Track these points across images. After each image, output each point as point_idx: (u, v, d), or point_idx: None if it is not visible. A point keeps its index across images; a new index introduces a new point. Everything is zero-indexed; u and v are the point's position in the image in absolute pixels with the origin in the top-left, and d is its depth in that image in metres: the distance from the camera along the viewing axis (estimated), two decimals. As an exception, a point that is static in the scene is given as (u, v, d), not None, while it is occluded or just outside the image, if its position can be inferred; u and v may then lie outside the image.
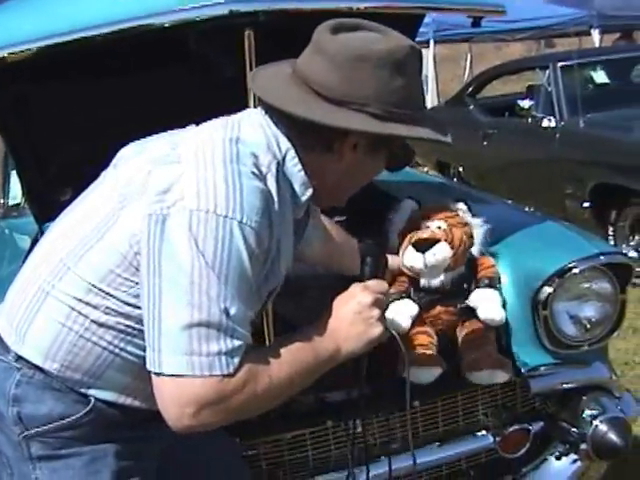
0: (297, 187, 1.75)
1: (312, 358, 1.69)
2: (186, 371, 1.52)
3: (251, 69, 2.22)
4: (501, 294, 2.53)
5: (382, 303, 1.79)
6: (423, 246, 2.39)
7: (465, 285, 2.51)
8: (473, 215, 2.52)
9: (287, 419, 2.41)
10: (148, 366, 1.57)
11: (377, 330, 1.75)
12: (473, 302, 2.49)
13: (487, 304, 2.48)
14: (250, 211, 1.56)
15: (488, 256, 2.58)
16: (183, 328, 1.51)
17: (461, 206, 2.52)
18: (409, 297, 2.46)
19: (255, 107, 2.26)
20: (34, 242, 3.11)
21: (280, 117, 1.71)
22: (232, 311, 1.54)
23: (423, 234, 2.43)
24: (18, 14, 2.54)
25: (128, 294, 1.64)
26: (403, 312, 2.40)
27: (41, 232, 3.11)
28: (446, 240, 2.39)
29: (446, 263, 2.40)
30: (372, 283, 1.82)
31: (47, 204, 3.04)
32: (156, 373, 1.55)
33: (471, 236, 2.48)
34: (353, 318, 1.74)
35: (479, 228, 2.51)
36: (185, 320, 1.51)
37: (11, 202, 4.13)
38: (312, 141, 1.72)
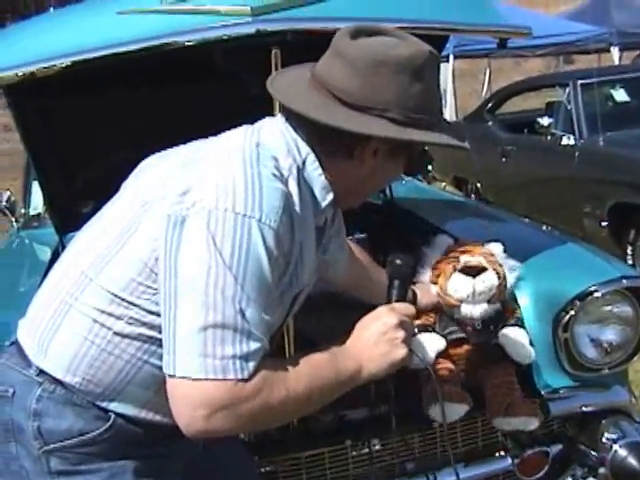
0: (317, 192, 1.74)
1: (333, 375, 1.67)
2: (199, 374, 1.50)
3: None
4: (528, 333, 2.50)
5: (408, 326, 1.78)
6: (473, 271, 2.35)
7: (492, 326, 2.46)
8: (507, 257, 2.49)
9: (306, 437, 2.41)
10: (164, 369, 1.56)
11: (401, 352, 1.73)
12: (503, 339, 2.45)
13: (518, 342, 2.45)
14: (270, 211, 1.56)
15: (514, 302, 2.56)
16: (197, 330, 1.50)
17: (498, 246, 2.49)
18: (435, 331, 2.42)
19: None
20: (54, 253, 3.15)
21: (300, 122, 1.71)
22: (248, 313, 1.52)
23: (470, 262, 2.38)
24: (50, 29, 2.56)
25: (151, 302, 1.63)
26: (429, 345, 2.35)
27: (62, 243, 3.13)
28: (494, 270, 2.36)
29: (492, 293, 2.36)
30: (399, 305, 1.82)
31: (69, 215, 3.06)
32: (170, 375, 1.54)
33: (504, 277, 2.44)
34: (377, 339, 1.72)
35: (511, 272, 2.48)
36: (200, 321, 1.50)
37: (32, 212, 4.15)
38: (333, 147, 1.71)
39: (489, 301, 2.39)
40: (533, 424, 2.41)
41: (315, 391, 1.64)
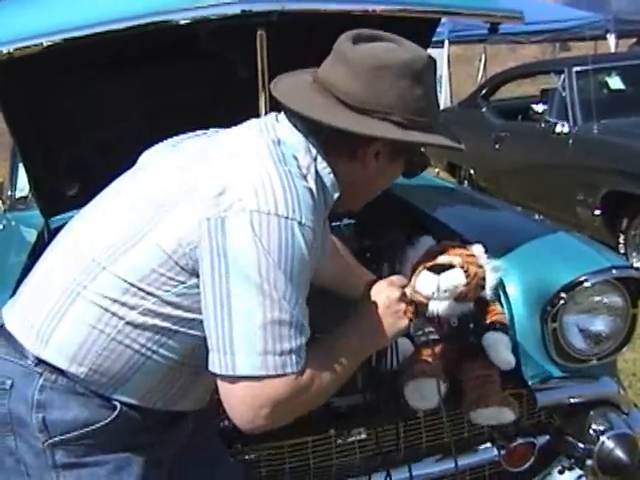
0: (329, 187, 1.77)
1: (359, 352, 1.81)
2: (260, 371, 1.54)
3: (263, 69, 2.21)
4: (511, 339, 2.47)
5: (406, 297, 1.92)
6: (438, 269, 2.32)
7: (471, 325, 2.43)
8: (488, 258, 2.43)
9: (289, 425, 2.37)
10: (217, 370, 1.57)
11: (404, 322, 1.88)
12: (486, 344, 2.42)
13: (501, 348, 2.42)
14: (307, 211, 1.60)
15: (497, 303, 2.53)
16: (256, 328, 1.54)
17: (479, 248, 2.43)
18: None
19: (266, 106, 2.27)
20: (40, 235, 3.11)
21: (304, 124, 1.74)
22: (298, 308, 1.58)
23: (439, 261, 2.36)
24: (32, 7, 2.51)
25: (171, 293, 1.64)
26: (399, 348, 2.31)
27: (47, 225, 3.10)
28: (462, 267, 2.32)
29: (458, 290, 2.31)
30: (395, 278, 1.96)
31: (54, 198, 3.02)
32: (228, 376, 1.56)
33: (483, 278, 2.39)
34: (383, 312, 1.86)
35: (493, 273, 2.41)
36: (258, 320, 1.53)
37: (18, 194, 4.11)
38: (336, 148, 1.75)
39: (456, 299, 2.34)
40: (506, 416, 2.37)
41: (350, 368, 1.76)
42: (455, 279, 2.30)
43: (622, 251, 6.46)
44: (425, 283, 2.31)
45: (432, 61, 1.76)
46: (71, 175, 2.96)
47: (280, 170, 1.62)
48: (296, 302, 1.57)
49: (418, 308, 2.36)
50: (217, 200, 1.58)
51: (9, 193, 4.20)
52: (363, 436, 2.39)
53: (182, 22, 2.28)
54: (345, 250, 2.45)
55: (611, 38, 12.41)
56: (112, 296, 1.64)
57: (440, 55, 12.80)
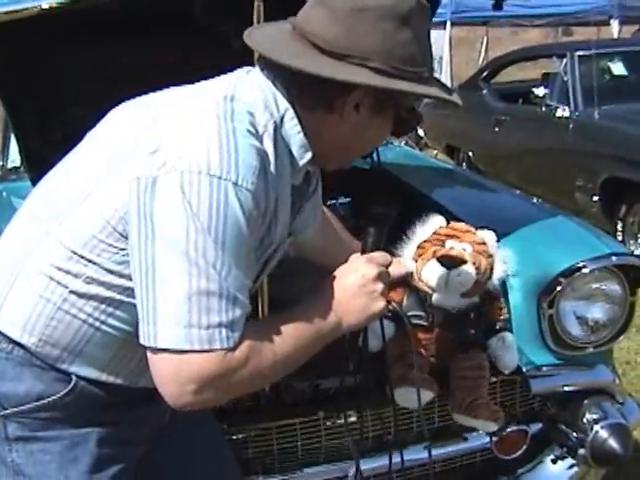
0: (295, 150, 1.65)
1: (315, 331, 1.62)
2: (184, 345, 1.42)
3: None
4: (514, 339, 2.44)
5: (385, 277, 1.71)
6: (449, 262, 2.24)
7: (472, 315, 2.36)
8: (499, 247, 2.38)
9: (278, 407, 2.35)
10: (142, 340, 1.47)
11: (380, 304, 1.68)
12: (494, 347, 2.39)
13: (509, 354, 2.39)
14: (246, 172, 1.47)
15: (501, 295, 2.47)
16: (180, 298, 1.42)
17: (490, 235, 2.37)
18: (397, 315, 2.19)
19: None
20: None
21: (278, 73, 1.62)
22: (231, 278, 1.45)
23: (451, 251, 2.28)
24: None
25: (111, 261, 1.55)
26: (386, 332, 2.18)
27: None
28: (474, 264, 2.24)
29: (467, 288, 2.26)
30: (376, 255, 1.74)
31: (44, 168, 2.96)
32: (151, 348, 1.46)
33: (492, 269, 2.33)
34: (357, 291, 1.66)
35: (501, 264, 2.37)
36: (182, 289, 1.42)
37: (10, 165, 4.08)
38: (312, 100, 1.62)
39: (464, 294, 2.29)
40: (490, 428, 2.35)
41: (300, 349, 1.60)
42: (466, 277, 2.23)
43: (619, 238, 6.44)
44: (433, 275, 2.24)
45: (423, 5, 1.62)
46: (63, 146, 2.90)
47: (221, 127, 1.49)
48: (229, 272, 1.44)
49: (417, 293, 2.32)
50: (150, 159, 1.48)
51: (0, 164, 4.16)
52: (352, 419, 2.35)
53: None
54: (339, 224, 2.37)
55: (614, 24, 12.34)
56: (56, 264, 1.58)
57: (442, 37, 12.77)
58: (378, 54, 1.56)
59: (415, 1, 1.60)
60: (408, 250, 2.36)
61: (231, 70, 1.73)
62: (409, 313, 2.31)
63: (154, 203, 1.45)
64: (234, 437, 2.30)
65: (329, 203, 2.93)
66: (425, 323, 2.33)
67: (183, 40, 2.74)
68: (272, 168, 1.56)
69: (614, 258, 2.51)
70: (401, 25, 1.57)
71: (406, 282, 2.37)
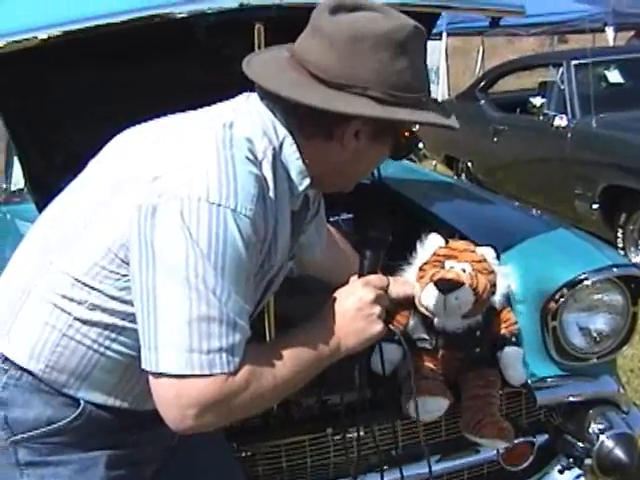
0: (294, 176, 1.66)
1: (314, 355, 1.64)
2: (185, 370, 1.44)
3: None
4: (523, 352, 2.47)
5: (383, 299, 1.73)
6: (446, 286, 2.25)
7: (478, 333, 2.40)
8: (500, 263, 2.41)
9: (286, 424, 2.36)
10: (143, 365, 1.50)
11: (377, 328, 1.70)
12: (503, 361, 2.41)
13: (518, 366, 2.43)
14: (244, 199, 1.48)
15: (509, 309, 2.49)
16: (181, 323, 1.44)
17: (490, 252, 2.40)
18: (399, 340, 2.15)
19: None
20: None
21: (277, 103, 1.63)
22: (231, 303, 1.47)
23: (448, 274, 2.29)
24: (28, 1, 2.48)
25: (114, 287, 1.57)
26: (388, 357, 2.23)
27: (42, 220, 3.06)
28: (471, 285, 2.26)
29: (467, 309, 2.28)
30: (373, 278, 1.76)
31: (48, 191, 2.98)
32: (153, 373, 1.48)
33: (494, 285, 2.36)
34: (354, 315, 1.69)
35: (504, 278, 2.40)
36: (183, 315, 1.44)
37: (13, 187, 4.09)
38: (312, 128, 1.64)
39: (464, 316, 2.31)
40: (499, 445, 2.40)
41: (299, 373, 1.61)
42: (463, 299, 2.25)
43: (620, 246, 6.45)
44: (431, 300, 2.26)
45: (419, 31, 1.62)
46: (66, 168, 2.92)
47: (220, 154, 1.51)
48: (228, 297, 1.46)
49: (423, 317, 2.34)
50: (150, 186, 1.50)
51: (4, 186, 4.18)
52: (361, 434, 2.37)
53: (179, 16, 2.25)
54: (343, 240, 2.39)
55: (609, 31, 12.36)
56: (60, 291, 1.60)
57: (438, 47, 12.80)
58: (376, 83, 1.57)
59: (411, 26, 1.61)
60: (410, 273, 2.39)
61: (234, 94, 1.75)
62: (415, 336, 2.35)
63: (154, 230, 1.47)
64: (243, 455, 2.31)
65: (332, 220, 2.95)
66: (430, 347, 2.36)
67: (185, 64, 2.77)
68: (271, 194, 1.58)
69: (615, 269, 2.53)
70: (398, 52, 1.58)
71: (411, 303, 2.39)
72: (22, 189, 3.93)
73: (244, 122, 1.62)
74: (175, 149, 1.58)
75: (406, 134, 1.77)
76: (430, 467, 2.19)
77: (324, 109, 1.56)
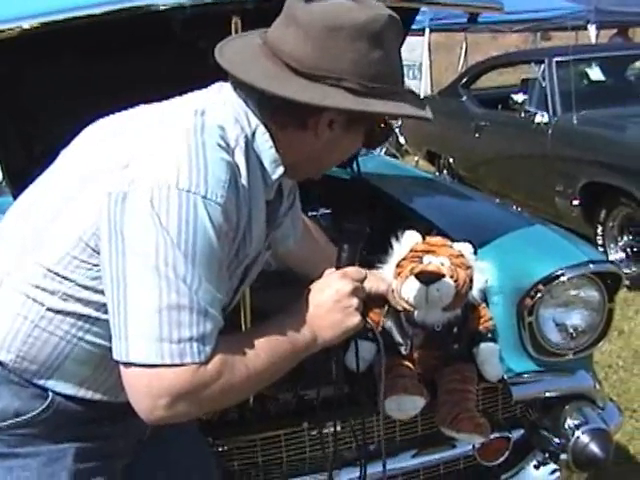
0: (267, 164, 1.66)
1: (289, 346, 1.63)
2: (155, 359, 1.43)
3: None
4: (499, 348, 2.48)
5: (360, 292, 1.73)
6: (427, 278, 2.23)
7: (455, 330, 2.39)
8: (477, 259, 2.41)
9: (262, 418, 2.36)
10: (115, 355, 1.48)
11: (354, 320, 1.70)
12: (479, 357, 2.42)
13: (494, 361, 2.43)
14: (215, 185, 1.47)
15: (484, 305, 2.49)
16: (151, 312, 1.43)
17: (467, 247, 2.39)
18: (375, 337, 2.17)
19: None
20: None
21: (250, 93, 1.62)
22: (202, 292, 1.46)
23: (428, 267, 2.28)
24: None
25: (86, 277, 1.56)
26: (363, 354, 2.22)
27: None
28: (452, 277, 2.25)
29: (448, 301, 2.26)
30: (351, 270, 1.76)
31: (25, 183, 2.97)
32: (124, 363, 1.47)
33: (472, 280, 2.34)
34: (331, 306, 1.69)
35: (481, 273, 2.40)
36: (153, 303, 1.43)
37: (-9, 180, 4.05)
38: (285, 118, 1.63)
39: (445, 309, 2.31)
40: (477, 440, 2.41)
41: (273, 364, 1.60)
42: (445, 291, 2.24)
43: (600, 242, 6.47)
44: (412, 292, 2.24)
45: (395, 22, 1.62)
46: (44, 161, 2.91)
47: (191, 140, 1.50)
48: (199, 285, 1.44)
49: (399, 311, 2.34)
50: (120, 174, 1.49)
51: (-18, 179, 4.15)
52: (337, 429, 2.37)
53: (154, 9, 2.24)
54: (320, 233, 2.39)
55: (592, 29, 12.38)
56: (32, 282, 1.59)
57: (421, 43, 12.82)
58: (351, 74, 1.57)
59: (387, 16, 1.60)
60: (387, 270, 2.38)
61: (209, 85, 1.75)
62: (389, 341, 2.35)
63: (124, 218, 1.46)
64: (219, 450, 2.30)
65: (310, 214, 2.94)
66: (404, 352, 2.37)
67: (161, 56, 2.77)
68: (244, 182, 1.57)
69: (592, 265, 2.54)
70: (374, 43, 1.58)
71: (385, 300, 2.39)
72: (0, 182, 3.90)
73: (216, 110, 1.61)
74: (145, 137, 1.57)
75: (381, 125, 1.77)
76: (385, 464, 2.14)
77: (300, 101, 1.56)
